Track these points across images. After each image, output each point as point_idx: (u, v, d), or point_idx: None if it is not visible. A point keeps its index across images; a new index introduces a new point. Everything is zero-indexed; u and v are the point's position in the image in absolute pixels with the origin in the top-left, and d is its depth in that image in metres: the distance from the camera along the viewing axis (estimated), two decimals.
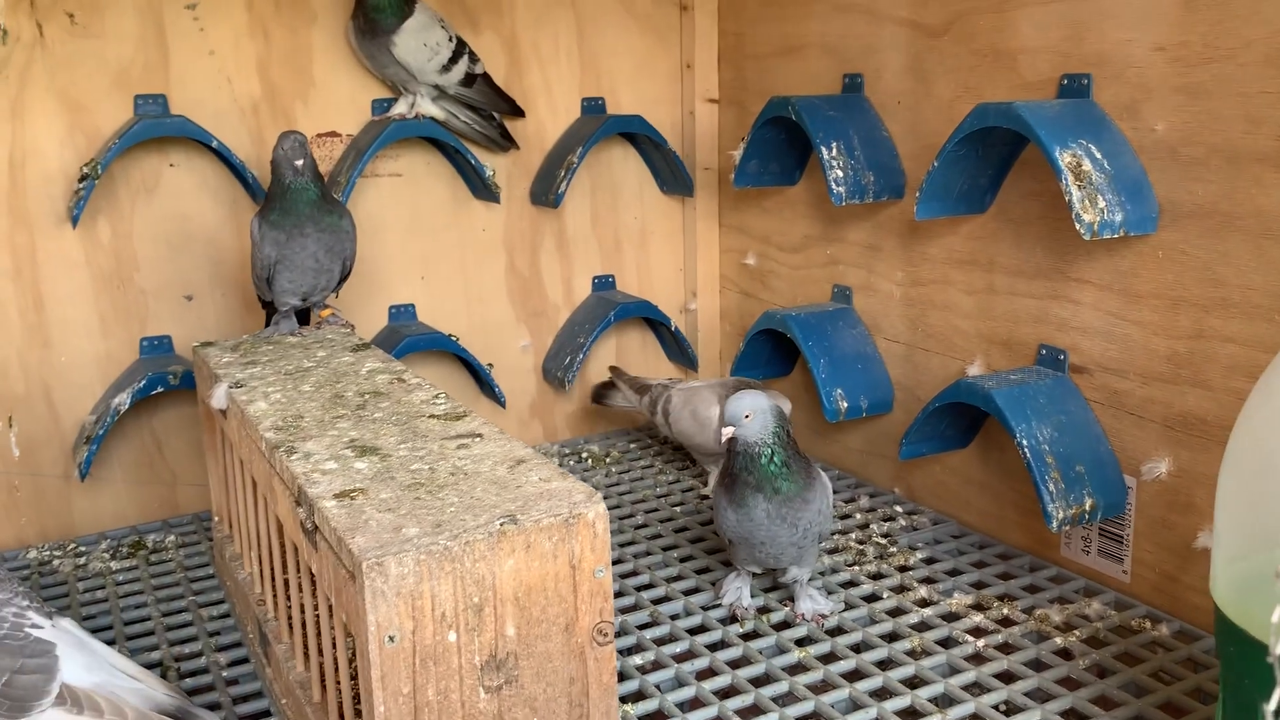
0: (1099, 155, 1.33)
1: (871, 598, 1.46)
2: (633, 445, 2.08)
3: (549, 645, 0.91)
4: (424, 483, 0.99)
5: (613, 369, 2.01)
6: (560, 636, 0.91)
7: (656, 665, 1.32)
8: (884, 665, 1.30)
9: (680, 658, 1.33)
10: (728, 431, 1.31)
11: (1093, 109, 1.38)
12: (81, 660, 1.07)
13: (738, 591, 1.43)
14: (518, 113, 1.93)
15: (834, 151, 1.67)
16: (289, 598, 1.23)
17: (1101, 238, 1.30)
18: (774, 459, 1.31)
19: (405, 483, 0.99)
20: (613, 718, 0.95)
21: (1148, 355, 1.37)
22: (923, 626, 1.38)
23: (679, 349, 2.17)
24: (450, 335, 1.93)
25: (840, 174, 1.66)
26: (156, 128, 1.65)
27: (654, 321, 2.16)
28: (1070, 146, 1.32)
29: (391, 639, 0.84)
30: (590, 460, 2.01)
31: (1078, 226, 1.29)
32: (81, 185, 1.63)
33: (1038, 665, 1.30)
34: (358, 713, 1.02)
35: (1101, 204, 1.30)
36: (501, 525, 0.88)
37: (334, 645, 1.01)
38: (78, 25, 1.65)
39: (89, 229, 1.71)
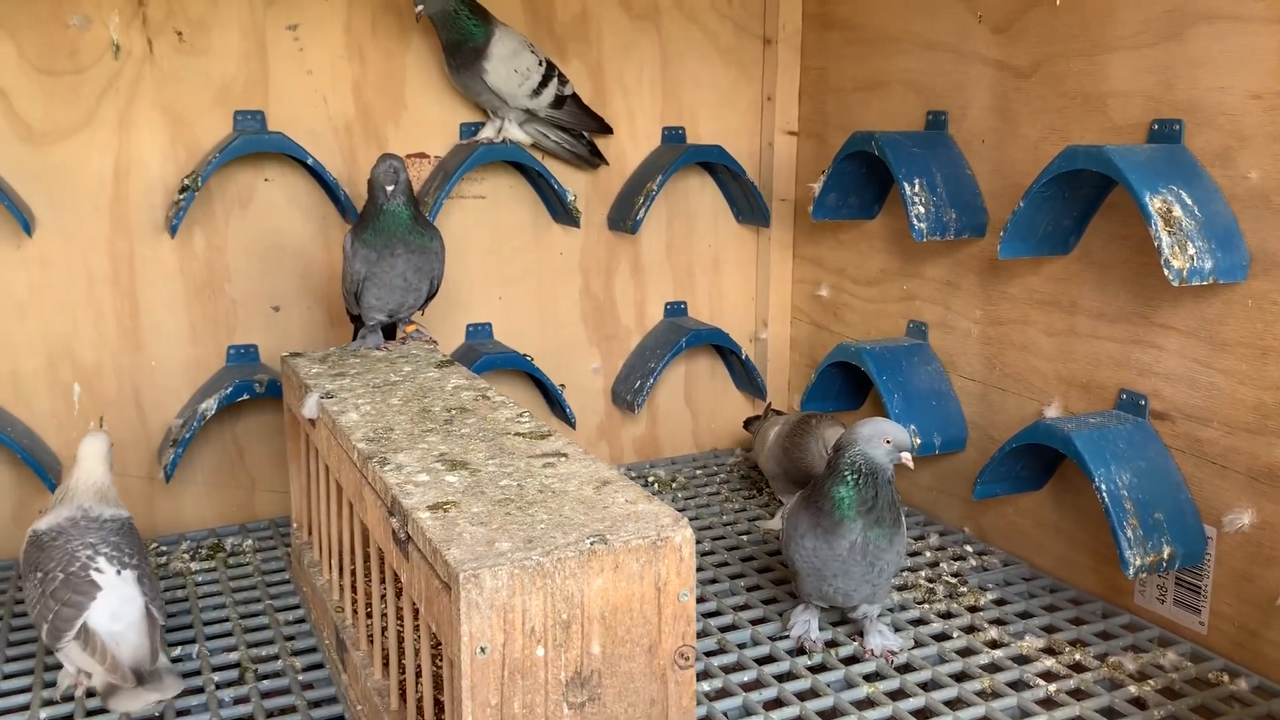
0: (1189, 201, 1.32)
1: (941, 636, 1.45)
2: (699, 472, 2.09)
3: (632, 666, 0.92)
4: (513, 499, 1.01)
5: (768, 406, 2.04)
6: (643, 658, 0.92)
7: (724, 693, 1.32)
8: (954, 705, 1.30)
9: (748, 686, 1.33)
10: (906, 458, 1.31)
11: (1184, 155, 1.38)
12: (112, 609, 1.23)
13: (806, 624, 1.43)
14: (606, 130, 1.97)
15: (916, 188, 1.68)
16: (370, 605, 1.26)
17: (1190, 284, 1.30)
18: (884, 493, 1.32)
19: (495, 498, 1.01)
20: None
21: (1233, 404, 1.36)
22: (993, 668, 1.37)
23: (748, 378, 2.18)
24: (525, 355, 1.96)
25: (922, 210, 1.67)
26: (256, 143, 1.71)
27: (724, 349, 2.17)
28: (1160, 192, 1.31)
29: (483, 650, 0.86)
30: (656, 485, 2.02)
31: (1166, 272, 1.29)
32: (181, 196, 1.69)
33: (1110, 713, 1.28)
34: None
35: (1191, 250, 1.29)
36: (592, 544, 0.90)
37: (417, 654, 1.04)
38: (185, 42, 1.72)
39: (185, 239, 1.77)
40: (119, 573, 1.27)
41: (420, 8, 1.72)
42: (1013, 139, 1.64)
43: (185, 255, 1.78)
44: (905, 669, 1.37)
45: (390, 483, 1.05)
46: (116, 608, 1.24)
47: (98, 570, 1.26)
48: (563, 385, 2.04)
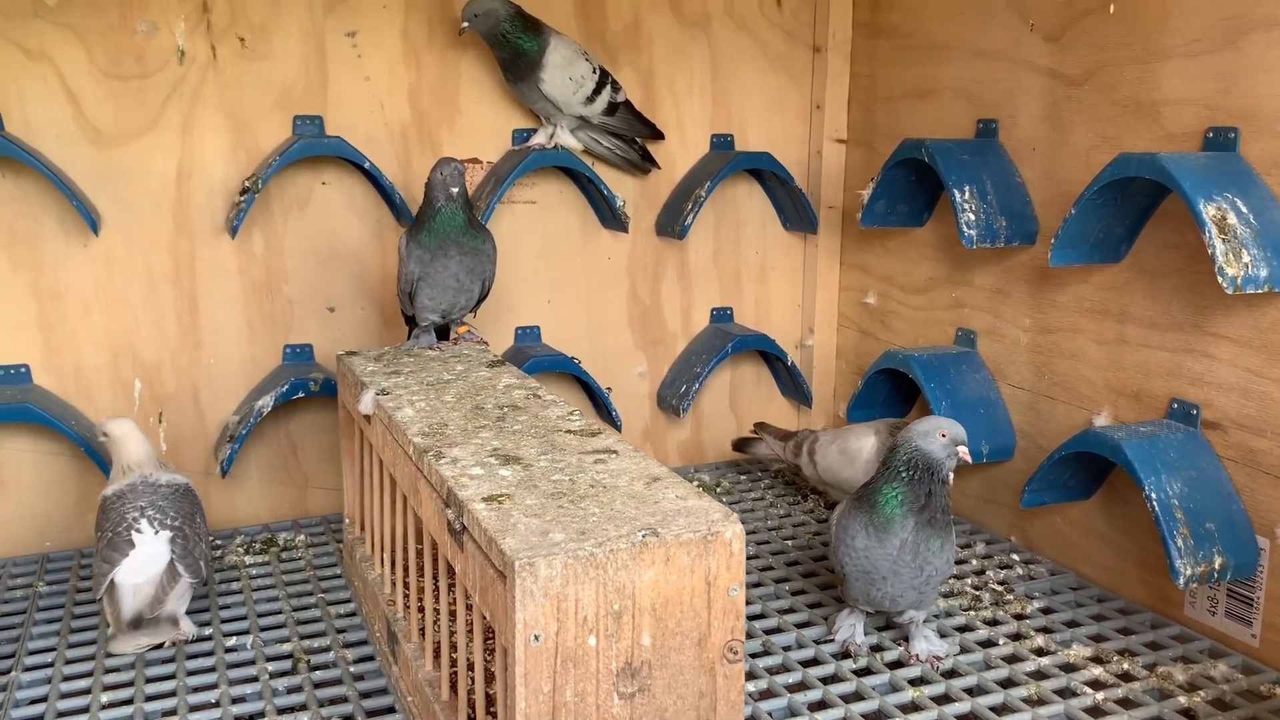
0: (1245, 209, 1.31)
1: (987, 643, 1.45)
2: (743, 477, 2.10)
3: (681, 658, 0.93)
4: (565, 492, 1.03)
5: (757, 425, 2.02)
6: (693, 650, 0.94)
7: (768, 694, 1.33)
8: (1000, 711, 1.29)
9: (793, 688, 1.34)
10: (963, 451, 1.30)
11: (1239, 163, 1.37)
12: (137, 565, 1.37)
13: (851, 628, 1.43)
14: (658, 136, 1.99)
15: (966, 195, 1.68)
16: (421, 599, 1.28)
17: (1244, 292, 1.29)
18: (941, 498, 1.32)
19: (548, 491, 1.03)
20: None
21: None
22: (1039, 675, 1.37)
23: (793, 384, 2.18)
24: (573, 358, 1.98)
25: (972, 217, 1.67)
26: (314, 147, 1.75)
27: (770, 355, 2.18)
28: (1215, 200, 1.31)
29: (536, 638, 0.87)
30: (701, 489, 2.03)
31: (1220, 280, 1.28)
32: (242, 199, 1.73)
33: None
34: (489, 712, 1.06)
35: (1246, 259, 1.29)
36: (644, 537, 0.91)
37: (470, 643, 1.06)
38: (247, 49, 1.77)
39: (244, 240, 1.81)
40: (156, 533, 1.40)
41: (465, 25, 1.75)
42: (1064, 147, 1.64)
43: (244, 256, 1.82)
44: (951, 674, 1.37)
45: (446, 475, 1.07)
46: (141, 564, 1.37)
47: (138, 531, 1.39)
48: (609, 388, 2.06)
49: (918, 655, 1.39)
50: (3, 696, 1.32)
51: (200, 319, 1.81)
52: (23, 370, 1.73)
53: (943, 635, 1.45)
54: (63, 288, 1.73)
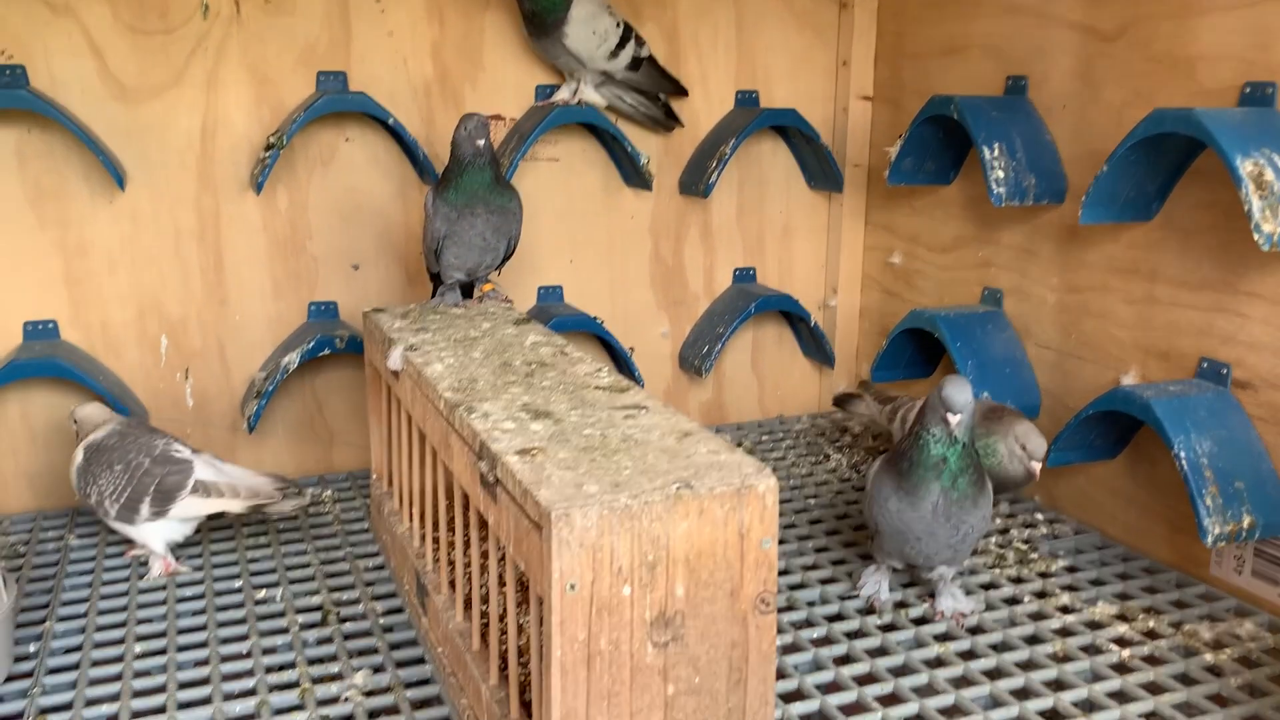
0: None
1: (1012, 600, 1.45)
2: (765, 437, 2.10)
3: (714, 609, 0.94)
4: (598, 446, 1.03)
5: (863, 381, 1.93)
6: (725, 601, 0.94)
7: (794, 647, 1.34)
8: (1025, 666, 1.30)
9: (818, 643, 1.35)
10: (954, 419, 1.28)
11: (1277, 118, 1.35)
12: (211, 470, 1.54)
13: (877, 585, 1.44)
14: (682, 92, 1.97)
15: (995, 152, 1.67)
16: (451, 551, 1.29)
17: None
18: (964, 455, 1.31)
19: (580, 445, 1.03)
20: (770, 685, 0.98)
21: None
22: (1065, 632, 1.37)
23: (816, 345, 2.18)
24: (595, 318, 1.98)
25: (1001, 175, 1.65)
26: (339, 102, 1.74)
27: (792, 316, 2.17)
28: (1252, 155, 1.29)
29: (572, 587, 0.88)
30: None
31: (1256, 237, 1.27)
32: (267, 154, 1.73)
33: (1186, 680, 1.28)
34: (521, 662, 1.07)
35: None
36: (678, 490, 0.91)
37: (502, 595, 1.07)
38: (271, 3, 1.75)
39: (268, 197, 1.81)
40: (193, 452, 1.55)
41: None
42: (1095, 104, 1.62)
43: (269, 213, 1.82)
44: (976, 631, 1.38)
45: (478, 429, 1.07)
46: (212, 468, 1.54)
47: (178, 451, 1.54)
48: (631, 349, 2.06)
49: (943, 612, 1.40)
50: (39, 645, 1.34)
51: (226, 275, 1.82)
52: (50, 326, 1.74)
53: (968, 593, 1.45)
54: (89, 244, 1.73)
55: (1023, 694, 1.25)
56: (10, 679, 1.27)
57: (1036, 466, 1.47)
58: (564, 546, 0.87)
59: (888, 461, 1.37)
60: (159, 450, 1.52)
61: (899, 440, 1.38)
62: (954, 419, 1.28)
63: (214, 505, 1.52)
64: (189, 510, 1.51)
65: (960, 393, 1.28)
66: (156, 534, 1.52)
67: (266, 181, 1.76)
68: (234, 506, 1.53)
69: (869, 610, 1.42)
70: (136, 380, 1.80)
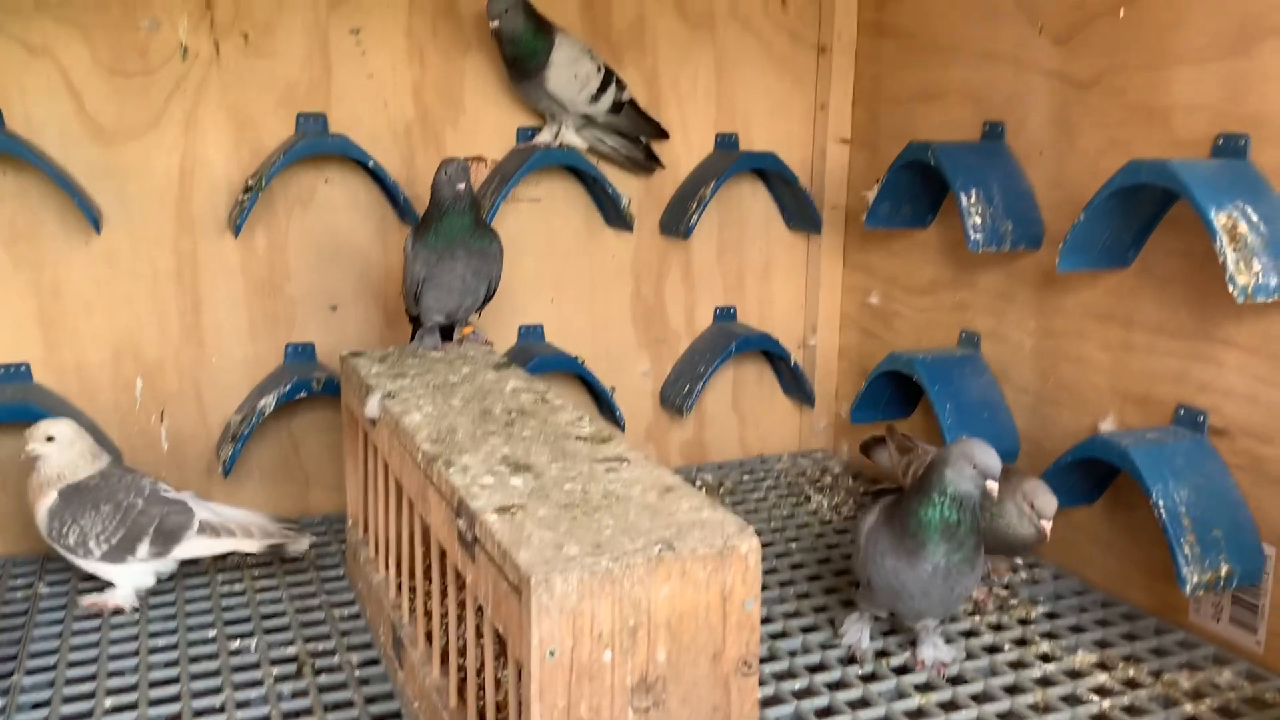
0: (1255, 218, 1.31)
1: (993, 649, 1.45)
2: (746, 477, 2.10)
3: (696, 672, 0.93)
4: (578, 503, 1.02)
5: (890, 427, 1.82)
6: (707, 665, 0.93)
7: (775, 699, 1.33)
8: (1006, 717, 1.30)
9: (800, 694, 1.34)
10: (994, 486, 1.26)
11: (1250, 170, 1.37)
12: (208, 509, 1.54)
13: (859, 633, 1.43)
14: (662, 135, 1.98)
15: (973, 198, 1.68)
16: (428, 603, 1.28)
17: (1255, 301, 1.29)
18: (974, 521, 1.29)
19: (561, 502, 1.02)
20: None
21: None
22: (1046, 682, 1.37)
23: (796, 384, 2.18)
24: (576, 357, 1.97)
25: (978, 220, 1.67)
26: (318, 145, 1.73)
27: (773, 355, 2.18)
28: (1226, 207, 1.31)
29: (552, 654, 0.87)
30: (704, 490, 2.03)
31: (1231, 288, 1.28)
32: (245, 196, 1.72)
33: None
34: (499, 719, 1.06)
35: (1257, 267, 1.28)
36: (660, 551, 0.91)
37: (481, 654, 1.05)
38: (251, 45, 1.75)
39: (247, 238, 1.80)
40: (178, 493, 1.56)
41: (496, 23, 1.74)
42: (1072, 151, 1.63)
43: (247, 254, 1.81)
44: (957, 681, 1.37)
45: (457, 484, 1.07)
46: (206, 508, 1.55)
47: (167, 491, 1.54)
48: (613, 388, 2.05)
49: (924, 661, 1.39)
50: (5, 701, 1.31)
51: (202, 317, 1.80)
52: (23, 369, 1.72)
53: (948, 640, 1.45)
54: (64, 285, 1.72)
55: None
56: None
57: (1047, 526, 1.42)
58: (544, 612, 0.86)
59: (887, 516, 1.34)
60: (148, 490, 1.52)
61: (900, 497, 1.35)
62: (993, 485, 1.27)
63: (223, 545, 1.53)
64: (194, 551, 1.52)
65: (993, 456, 1.27)
66: (132, 576, 1.52)
67: (245, 223, 1.75)
68: (248, 546, 1.55)
69: (850, 659, 1.42)
70: (111, 423, 1.78)
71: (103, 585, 1.56)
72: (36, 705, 1.31)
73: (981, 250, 1.67)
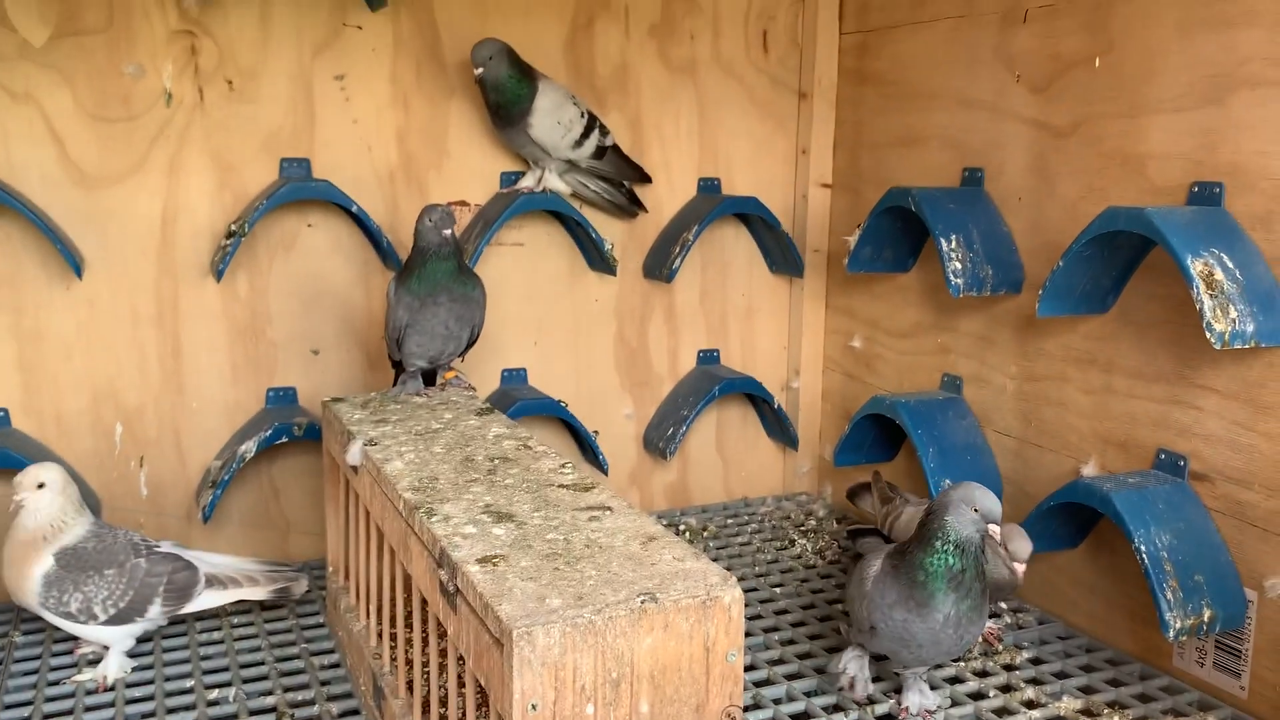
0: (1231, 265, 1.33)
1: (978, 695, 1.44)
2: (730, 521, 2.09)
3: None
4: (561, 553, 1.02)
5: (875, 473, 1.81)
6: (690, 717, 0.93)
7: None
8: None
9: None
10: (997, 530, 1.26)
11: (1225, 218, 1.39)
12: (201, 559, 1.55)
13: (859, 667, 1.41)
14: (645, 180, 1.99)
15: (953, 244, 1.69)
16: (409, 652, 1.26)
17: (1232, 347, 1.30)
18: (979, 566, 1.28)
19: (543, 552, 1.02)
20: None
21: (1275, 468, 1.36)
22: None
23: (780, 426, 2.18)
24: (559, 401, 1.97)
25: (959, 265, 1.68)
26: (302, 190, 1.74)
27: (756, 398, 2.18)
28: (1202, 255, 1.32)
29: (534, 707, 0.86)
30: (688, 533, 2.02)
31: (1208, 335, 1.29)
32: (228, 241, 1.72)
33: None
34: None
35: (1233, 314, 1.30)
36: (643, 603, 0.90)
37: (463, 705, 1.04)
38: (234, 91, 1.76)
39: (228, 282, 1.80)
40: (171, 545, 1.56)
41: (480, 71, 1.75)
42: (1050, 198, 1.65)
43: (228, 298, 1.81)
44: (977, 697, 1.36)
45: (438, 534, 1.06)
46: (202, 560, 1.56)
47: (156, 545, 1.53)
48: (596, 431, 2.05)
49: (908, 708, 1.38)
50: None
51: (183, 362, 1.79)
52: (1, 414, 1.70)
53: (933, 687, 1.44)
54: (44, 330, 1.71)
55: None
56: None
57: (1021, 569, 1.43)
58: (526, 665, 0.86)
59: (892, 565, 1.31)
60: (144, 548, 1.50)
61: (903, 546, 1.33)
62: (996, 530, 1.26)
63: (232, 596, 1.55)
64: (204, 605, 1.53)
65: (993, 500, 1.26)
66: (129, 636, 1.49)
67: (227, 268, 1.74)
68: (256, 594, 1.56)
69: (836, 708, 1.40)
70: (89, 469, 1.76)
71: (77, 640, 1.54)
72: None
73: (962, 295, 1.68)
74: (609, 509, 1.14)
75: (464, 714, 1.09)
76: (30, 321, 1.70)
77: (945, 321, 1.88)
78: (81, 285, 1.71)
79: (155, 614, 1.48)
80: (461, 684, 1.08)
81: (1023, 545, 1.45)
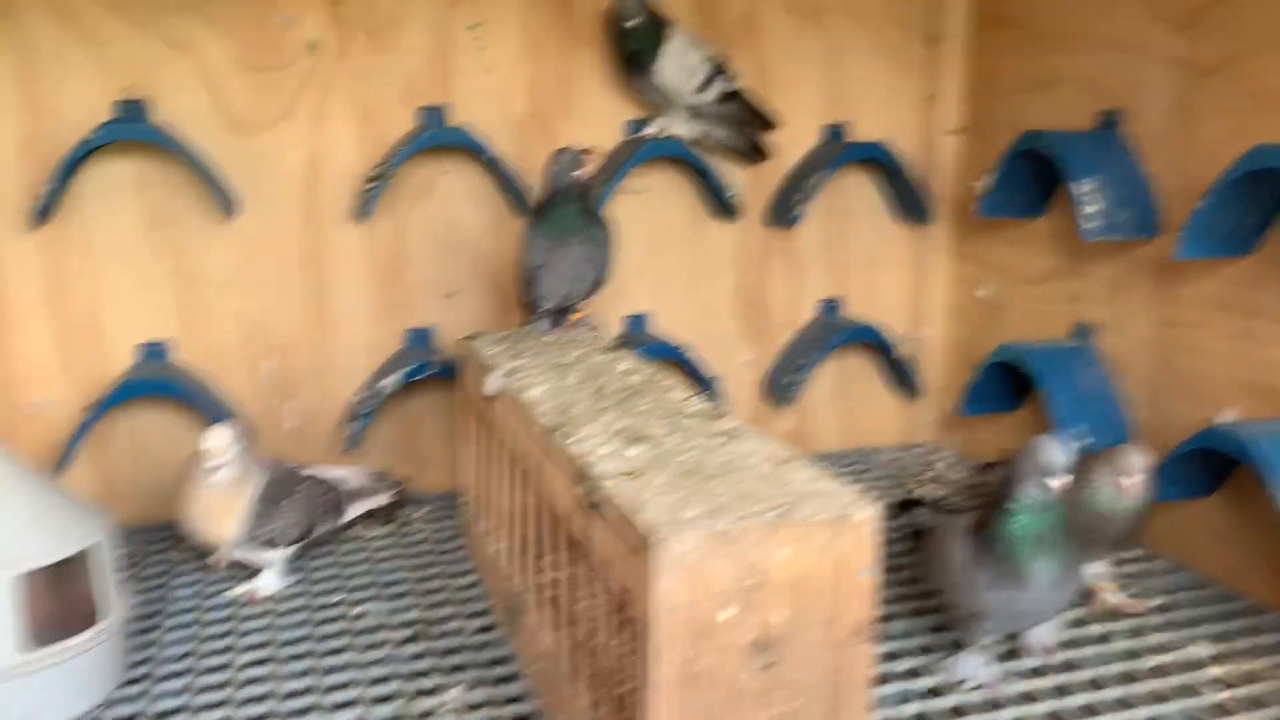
0: None
1: (1103, 638, 1.43)
2: (847, 470, 2.10)
3: (812, 635, 0.95)
4: (695, 471, 1.05)
5: (1004, 451, 1.66)
6: (823, 628, 0.95)
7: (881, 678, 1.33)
8: (1122, 704, 1.28)
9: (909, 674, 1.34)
10: (1057, 483, 1.19)
11: None
12: (329, 474, 1.70)
13: (977, 667, 1.33)
14: (769, 125, 2.00)
15: (1088, 187, 1.66)
16: (543, 572, 1.32)
17: None
18: (1060, 520, 1.22)
19: (678, 470, 1.05)
20: (864, 713, 0.98)
21: None
22: (1160, 671, 1.35)
23: (901, 377, 2.18)
24: (679, 346, 2.00)
25: (1093, 210, 1.65)
26: (440, 137, 1.80)
27: (877, 348, 2.17)
28: None
29: (673, 610, 0.90)
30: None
31: None
32: (370, 186, 1.80)
33: None
34: (616, 682, 1.09)
35: None
36: (778, 516, 0.93)
37: (598, 617, 1.09)
38: (375, 41, 1.83)
39: (370, 226, 1.88)
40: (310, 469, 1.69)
41: (635, 20, 1.80)
42: (1191, 138, 1.61)
43: (370, 242, 1.89)
44: (1068, 667, 1.36)
45: (577, 452, 1.11)
46: (333, 476, 1.71)
47: (310, 474, 1.66)
48: (715, 378, 2.08)
49: (1029, 647, 1.37)
50: (150, 654, 1.40)
51: (327, 302, 1.89)
52: (162, 347, 1.82)
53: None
54: (201, 269, 1.82)
55: None
56: (126, 684, 1.32)
57: (1127, 482, 1.33)
58: (665, 570, 0.90)
59: (974, 547, 1.25)
60: (299, 472, 1.62)
61: (977, 521, 1.27)
62: (1056, 483, 1.20)
63: (367, 504, 1.71)
64: (351, 515, 1.68)
65: (1057, 454, 1.20)
66: (289, 556, 1.59)
67: (369, 212, 1.82)
68: (382, 499, 1.73)
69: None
70: (241, 401, 1.87)
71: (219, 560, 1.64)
72: (180, 657, 1.39)
73: (1096, 239, 1.65)
74: (739, 435, 1.17)
75: (599, 626, 1.14)
76: (189, 261, 1.81)
77: (1078, 268, 1.84)
78: (235, 228, 1.81)
79: (320, 532, 1.60)
80: (598, 597, 1.12)
81: (1133, 459, 1.34)
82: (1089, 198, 1.65)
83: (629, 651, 1.00)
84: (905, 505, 1.68)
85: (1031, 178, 1.85)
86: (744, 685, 0.94)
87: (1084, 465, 1.42)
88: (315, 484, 1.62)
